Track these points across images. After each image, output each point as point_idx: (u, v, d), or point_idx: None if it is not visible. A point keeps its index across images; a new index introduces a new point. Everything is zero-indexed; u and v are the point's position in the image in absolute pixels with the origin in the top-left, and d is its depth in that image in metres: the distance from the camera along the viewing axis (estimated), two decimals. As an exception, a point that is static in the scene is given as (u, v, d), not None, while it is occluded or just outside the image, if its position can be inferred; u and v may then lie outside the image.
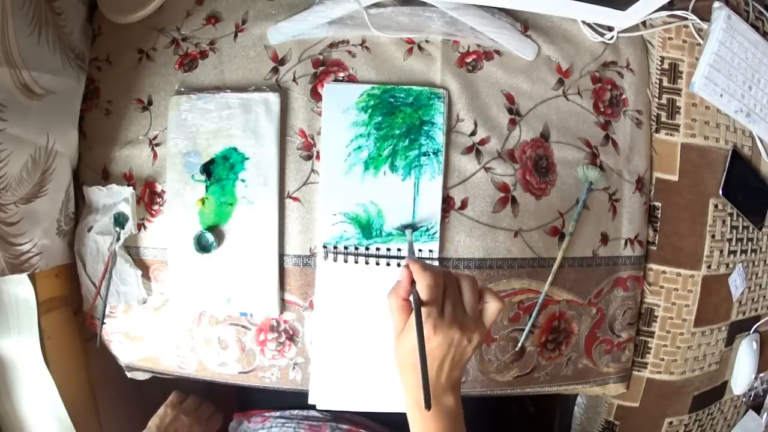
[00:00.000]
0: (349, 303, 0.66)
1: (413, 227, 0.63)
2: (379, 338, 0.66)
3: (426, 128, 0.65)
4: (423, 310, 0.45)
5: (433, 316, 0.45)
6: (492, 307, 0.48)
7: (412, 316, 0.45)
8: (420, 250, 0.64)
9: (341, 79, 0.66)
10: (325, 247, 0.65)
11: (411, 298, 0.46)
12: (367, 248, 0.65)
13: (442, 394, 0.47)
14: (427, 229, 0.65)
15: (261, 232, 0.65)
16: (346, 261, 0.65)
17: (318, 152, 0.66)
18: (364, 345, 0.66)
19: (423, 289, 0.45)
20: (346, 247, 0.65)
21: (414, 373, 0.46)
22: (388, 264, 0.65)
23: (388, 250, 0.65)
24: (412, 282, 0.47)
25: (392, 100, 0.65)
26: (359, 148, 0.65)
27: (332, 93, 0.65)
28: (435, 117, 0.65)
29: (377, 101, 0.65)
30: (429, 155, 0.65)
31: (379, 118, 0.65)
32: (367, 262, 0.65)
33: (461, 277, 0.48)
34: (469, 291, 0.47)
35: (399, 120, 0.65)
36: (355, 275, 0.65)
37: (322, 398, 0.67)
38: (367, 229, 0.65)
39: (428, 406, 0.42)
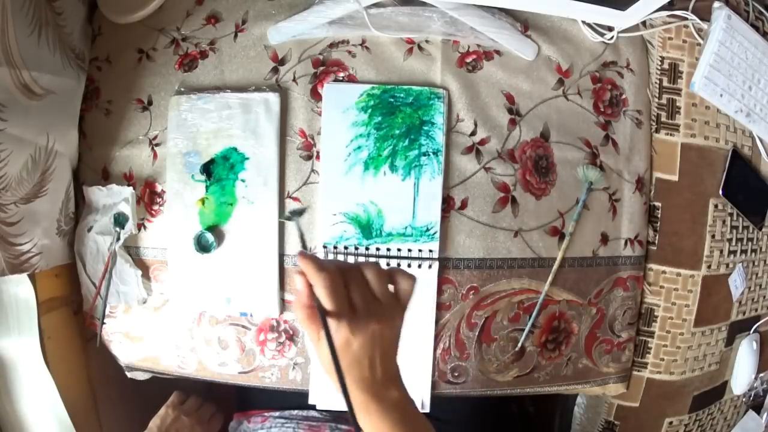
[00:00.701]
0: (349, 303, 0.66)
1: (299, 213, 0.58)
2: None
3: (426, 128, 0.65)
4: (332, 320, 0.41)
5: (346, 318, 0.42)
6: (404, 286, 0.45)
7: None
8: (420, 250, 0.64)
9: (341, 79, 0.66)
10: (325, 247, 0.65)
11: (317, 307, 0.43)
12: (367, 248, 0.65)
13: (383, 390, 0.44)
14: (427, 229, 0.65)
15: (261, 232, 0.65)
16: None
17: (318, 152, 0.66)
18: (364, 345, 0.66)
19: (323, 295, 0.42)
20: (346, 247, 0.65)
21: (345, 378, 0.43)
22: (387, 264, 0.65)
23: (388, 250, 0.65)
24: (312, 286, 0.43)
25: (392, 100, 0.65)
26: (359, 148, 0.65)
27: (332, 93, 0.65)
28: (435, 117, 0.65)
29: (377, 101, 0.65)
30: (429, 155, 0.65)
31: (379, 118, 0.65)
32: (367, 262, 0.65)
33: (363, 266, 0.45)
34: (376, 278, 0.44)
35: (399, 120, 0.65)
36: (355, 275, 0.65)
37: (322, 398, 0.67)
38: (367, 229, 0.65)
39: (356, 427, 0.40)
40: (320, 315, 0.41)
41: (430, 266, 0.65)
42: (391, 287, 0.46)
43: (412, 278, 0.46)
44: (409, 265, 0.64)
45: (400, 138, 0.65)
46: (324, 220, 0.65)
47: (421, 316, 0.65)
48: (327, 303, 0.42)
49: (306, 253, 0.44)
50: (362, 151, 0.65)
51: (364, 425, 0.44)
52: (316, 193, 0.66)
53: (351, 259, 0.65)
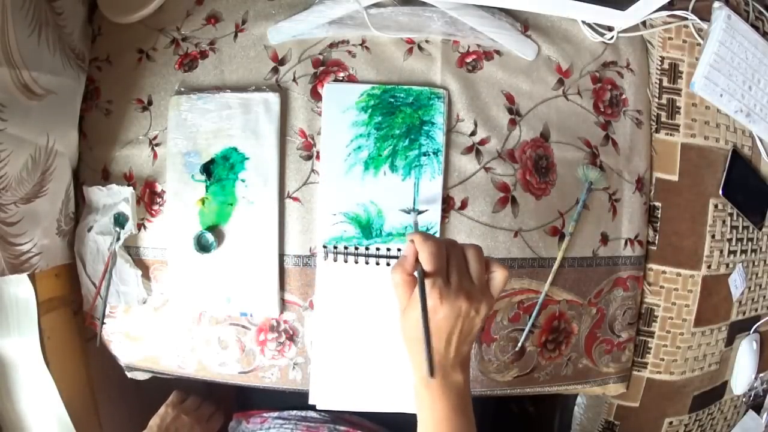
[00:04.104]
0: (349, 303, 0.66)
1: (418, 211, 0.64)
2: (379, 338, 0.66)
3: (426, 128, 0.65)
4: (428, 280, 0.44)
5: (439, 285, 0.43)
6: (499, 276, 0.47)
7: (417, 289, 0.44)
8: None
9: (341, 79, 0.66)
10: (324, 247, 0.65)
11: (416, 272, 0.45)
12: (367, 248, 0.65)
13: (450, 369, 0.45)
14: (427, 229, 0.65)
15: (261, 232, 0.65)
16: (346, 261, 0.65)
17: (318, 152, 0.66)
18: (364, 345, 0.66)
19: (426, 258, 0.44)
20: (346, 247, 0.65)
21: (421, 347, 0.44)
22: (388, 264, 0.65)
23: (388, 250, 0.65)
24: (417, 257, 0.45)
25: (392, 100, 0.65)
26: (359, 148, 0.65)
27: (332, 93, 0.65)
28: (435, 117, 0.65)
29: (377, 101, 0.65)
30: (429, 155, 0.65)
31: (379, 118, 0.65)
32: (367, 262, 0.65)
33: (467, 247, 0.47)
34: (475, 260, 0.46)
35: (399, 120, 0.65)
36: (355, 275, 0.65)
37: (322, 398, 0.67)
38: (367, 229, 0.65)
39: (432, 373, 0.41)
40: (419, 277, 0.44)
41: (430, 266, 0.65)
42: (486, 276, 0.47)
43: (507, 272, 0.47)
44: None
45: (400, 138, 0.65)
46: (324, 220, 0.65)
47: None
48: (427, 267, 0.44)
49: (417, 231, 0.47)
50: (362, 151, 0.65)
51: (422, 401, 0.46)
52: (316, 193, 0.66)
53: (351, 259, 0.65)
